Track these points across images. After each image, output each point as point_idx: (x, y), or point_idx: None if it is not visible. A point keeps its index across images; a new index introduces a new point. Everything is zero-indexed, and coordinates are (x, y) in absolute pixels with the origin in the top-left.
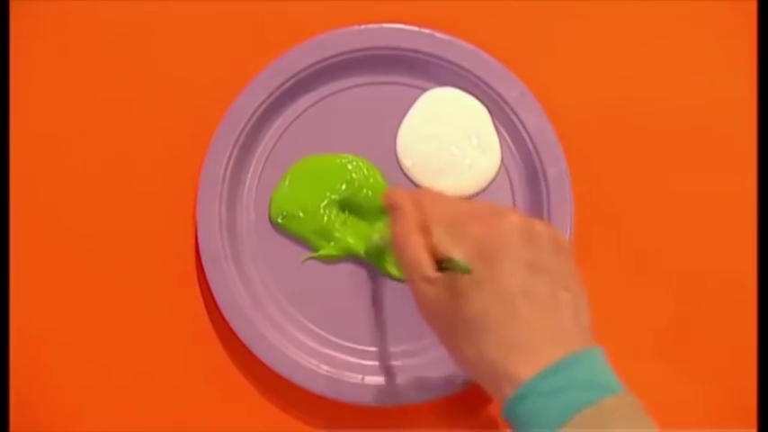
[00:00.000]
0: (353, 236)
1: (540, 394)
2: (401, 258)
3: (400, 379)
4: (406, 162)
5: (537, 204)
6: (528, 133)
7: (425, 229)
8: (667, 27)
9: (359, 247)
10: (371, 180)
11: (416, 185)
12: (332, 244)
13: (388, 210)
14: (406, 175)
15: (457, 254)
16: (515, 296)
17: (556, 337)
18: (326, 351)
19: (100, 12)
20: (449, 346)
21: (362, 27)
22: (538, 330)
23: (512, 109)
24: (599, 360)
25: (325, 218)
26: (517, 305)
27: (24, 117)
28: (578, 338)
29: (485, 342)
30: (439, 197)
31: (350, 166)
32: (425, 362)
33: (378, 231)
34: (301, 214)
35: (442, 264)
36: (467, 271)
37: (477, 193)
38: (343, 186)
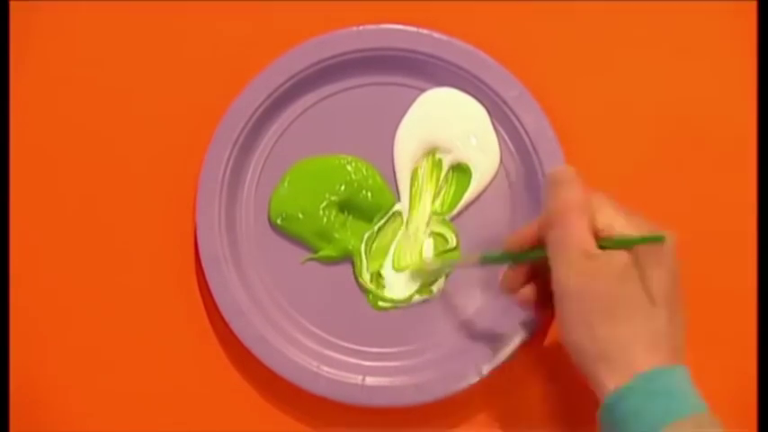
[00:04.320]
0: (353, 237)
1: (644, 392)
2: (560, 231)
3: (400, 379)
4: None
5: (536, 204)
6: (527, 133)
7: (588, 211)
8: (667, 27)
9: (358, 248)
10: (371, 181)
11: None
12: (332, 245)
13: (551, 184)
14: None
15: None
16: (662, 297)
17: (672, 346)
18: (327, 352)
19: (99, 12)
20: (574, 322)
21: (361, 28)
22: (664, 333)
23: (511, 109)
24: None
25: (325, 219)
26: (659, 304)
27: (24, 117)
28: (682, 355)
29: (620, 324)
30: (600, 192)
31: (349, 167)
32: (425, 362)
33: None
34: (301, 216)
35: (602, 244)
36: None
37: (477, 193)
38: (343, 187)
